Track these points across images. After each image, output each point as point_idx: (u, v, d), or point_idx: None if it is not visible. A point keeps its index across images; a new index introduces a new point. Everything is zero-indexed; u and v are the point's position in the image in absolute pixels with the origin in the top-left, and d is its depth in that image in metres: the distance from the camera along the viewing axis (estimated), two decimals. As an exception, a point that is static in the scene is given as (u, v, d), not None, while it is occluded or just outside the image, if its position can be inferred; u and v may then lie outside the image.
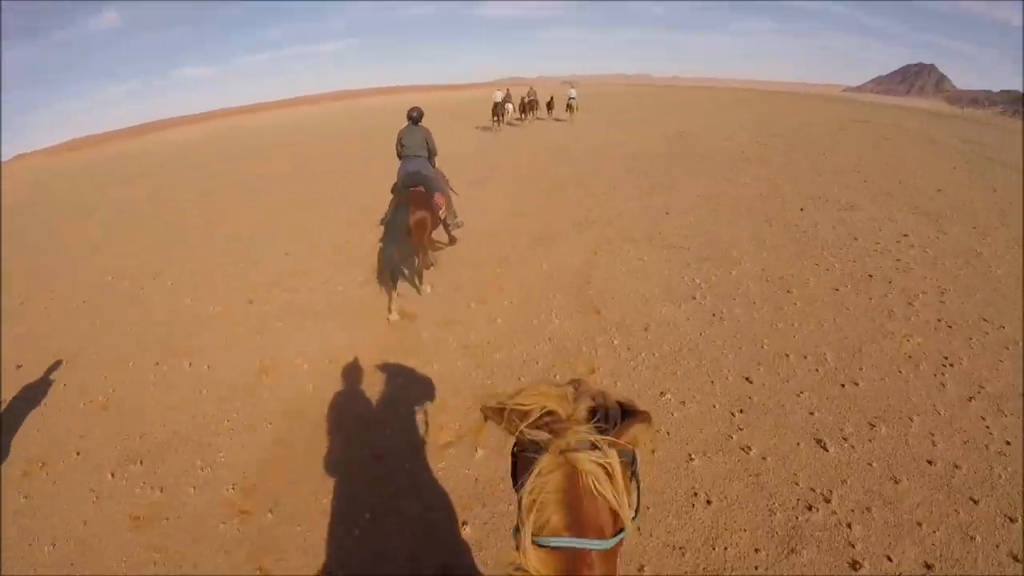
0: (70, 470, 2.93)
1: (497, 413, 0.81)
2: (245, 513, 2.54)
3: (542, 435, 0.74)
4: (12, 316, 5.18)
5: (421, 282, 5.49)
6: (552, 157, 11.78)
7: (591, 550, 0.68)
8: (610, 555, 0.71)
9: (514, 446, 0.82)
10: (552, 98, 21.00)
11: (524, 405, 0.78)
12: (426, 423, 3.16)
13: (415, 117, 5.57)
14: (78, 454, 3.06)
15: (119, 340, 4.44)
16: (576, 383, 0.84)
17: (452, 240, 6.16)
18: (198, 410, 3.40)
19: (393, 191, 5.41)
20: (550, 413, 0.76)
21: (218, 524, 2.49)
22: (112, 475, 2.86)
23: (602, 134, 15.80)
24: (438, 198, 5.41)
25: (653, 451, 2.80)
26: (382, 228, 5.13)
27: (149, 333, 4.56)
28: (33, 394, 3.70)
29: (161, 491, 2.72)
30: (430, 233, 5.26)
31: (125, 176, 14.62)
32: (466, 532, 2.40)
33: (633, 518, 0.73)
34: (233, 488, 2.71)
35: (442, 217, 5.56)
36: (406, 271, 5.49)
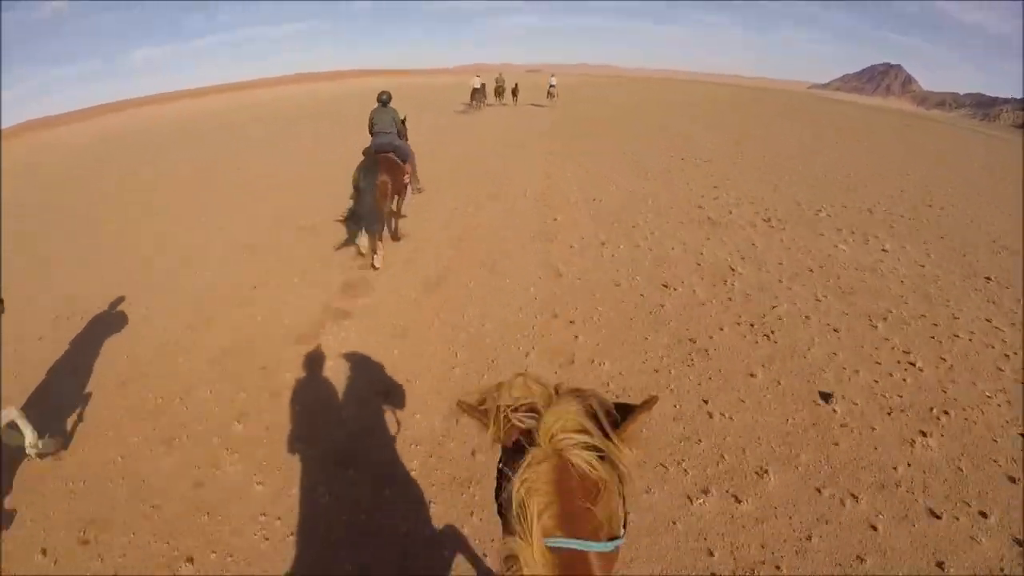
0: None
1: (475, 409, 0.87)
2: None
3: (532, 423, 0.79)
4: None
5: (379, 235, 6.21)
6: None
7: (588, 552, 0.74)
8: (607, 561, 0.76)
9: (500, 460, 0.87)
10: (516, 84, 26.02)
11: (505, 400, 0.84)
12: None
13: (384, 100, 6.53)
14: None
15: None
16: (558, 387, 0.88)
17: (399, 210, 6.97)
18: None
19: (365, 153, 6.28)
20: (533, 408, 0.82)
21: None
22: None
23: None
24: (406, 166, 6.41)
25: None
26: (353, 193, 6.01)
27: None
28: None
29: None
30: (390, 194, 6.08)
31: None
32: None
33: (623, 532, 0.80)
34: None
35: (407, 182, 6.53)
36: (375, 230, 6.19)
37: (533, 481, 0.75)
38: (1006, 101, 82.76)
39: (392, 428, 3.64)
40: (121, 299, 5.73)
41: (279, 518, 2.97)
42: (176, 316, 5.36)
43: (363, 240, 6.26)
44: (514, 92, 25.88)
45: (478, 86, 23.27)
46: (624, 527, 0.81)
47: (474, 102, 23.34)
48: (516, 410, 0.83)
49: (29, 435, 3.10)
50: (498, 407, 0.84)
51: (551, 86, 24.73)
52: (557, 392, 0.86)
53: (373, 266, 6.15)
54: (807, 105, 38.71)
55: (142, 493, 3.17)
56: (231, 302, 5.63)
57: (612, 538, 0.77)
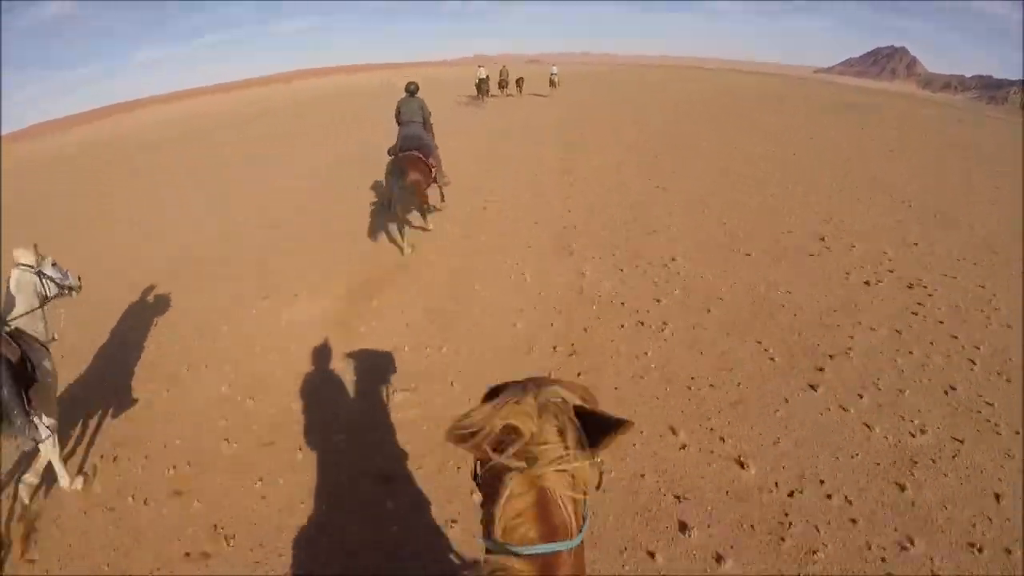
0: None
1: (462, 439, 0.92)
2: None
3: (513, 461, 0.85)
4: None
5: (425, 219, 7.27)
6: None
7: (563, 551, 0.84)
8: (579, 548, 0.88)
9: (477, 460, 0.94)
10: (522, 77, 26.72)
11: (486, 426, 0.89)
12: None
13: (412, 90, 6.88)
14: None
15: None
16: (536, 382, 0.97)
17: (441, 197, 7.93)
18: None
19: (390, 153, 6.69)
20: (514, 430, 0.87)
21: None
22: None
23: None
24: (431, 161, 6.69)
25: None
26: (385, 187, 6.88)
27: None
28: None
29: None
30: (424, 190, 6.57)
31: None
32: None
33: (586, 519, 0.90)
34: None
35: (434, 176, 6.89)
36: (408, 216, 6.94)
37: (515, 509, 0.84)
38: (1012, 83, 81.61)
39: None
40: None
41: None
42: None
43: (405, 245, 6.85)
44: (518, 84, 26.43)
45: (484, 76, 23.67)
46: (585, 518, 0.90)
47: (480, 94, 23.82)
48: (502, 441, 0.88)
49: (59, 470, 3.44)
50: (487, 439, 0.89)
51: (552, 74, 26.14)
52: (540, 407, 0.90)
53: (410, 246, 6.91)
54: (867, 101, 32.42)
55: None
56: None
57: (580, 528, 0.87)
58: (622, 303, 5.68)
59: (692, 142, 14.72)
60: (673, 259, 6.77)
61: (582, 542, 0.88)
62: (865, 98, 35.05)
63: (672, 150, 13.77)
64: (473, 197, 9.29)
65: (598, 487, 0.94)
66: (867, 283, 6.35)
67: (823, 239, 7.70)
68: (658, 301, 5.72)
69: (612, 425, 0.90)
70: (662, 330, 5.18)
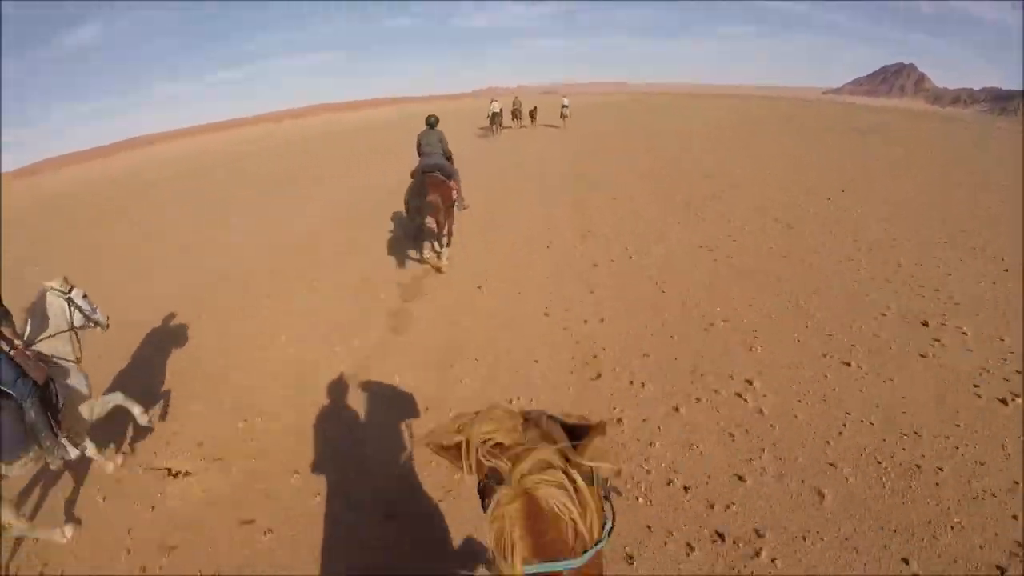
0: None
1: (444, 449, 0.90)
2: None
3: (501, 464, 0.81)
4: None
5: (441, 253, 7.23)
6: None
7: (562, 571, 0.77)
8: (590, 567, 0.81)
9: (479, 482, 0.88)
10: (535, 108, 27.05)
11: (476, 438, 0.85)
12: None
13: (432, 122, 7.07)
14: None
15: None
16: (526, 413, 0.92)
17: (440, 268, 7.45)
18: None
19: (412, 175, 6.93)
20: (498, 445, 0.84)
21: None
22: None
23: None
24: (452, 184, 6.87)
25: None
26: (404, 207, 7.04)
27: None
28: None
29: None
30: (444, 211, 6.61)
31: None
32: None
33: (610, 529, 0.85)
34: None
35: (454, 199, 6.95)
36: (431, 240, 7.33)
37: (504, 518, 0.78)
38: (1021, 93, 79.98)
39: None
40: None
41: None
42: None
43: (426, 252, 7.39)
44: (532, 115, 26.74)
45: (497, 110, 23.73)
46: (612, 523, 0.86)
47: (493, 126, 23.90)
48: (485, 445, 0.84)
49: (136, 410, 3.78)
50: (468, 447, 0.85)
51: (564, 106, 25.76)
52: (524, 420, 0.89)
53: (439, 270, 7.13)
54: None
55: None
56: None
57: (597, 541, 0.81)
58: (685, 487, 3.52)
59: (726, 169, 14.14)
60: (749, 383, 4.70)
61: (595, 561, 0.82)
62: (876, 117, 34.58)
63: (694, 180, 13.10)
64: (477, 253, 8.15)
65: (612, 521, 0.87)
66: (1003, 401, 4.41)
67: (926, 324, 5.83)
68: (742, 479, 3.58)
69: (588, 429, 0.87)
70: (758, 552, 3.04)
